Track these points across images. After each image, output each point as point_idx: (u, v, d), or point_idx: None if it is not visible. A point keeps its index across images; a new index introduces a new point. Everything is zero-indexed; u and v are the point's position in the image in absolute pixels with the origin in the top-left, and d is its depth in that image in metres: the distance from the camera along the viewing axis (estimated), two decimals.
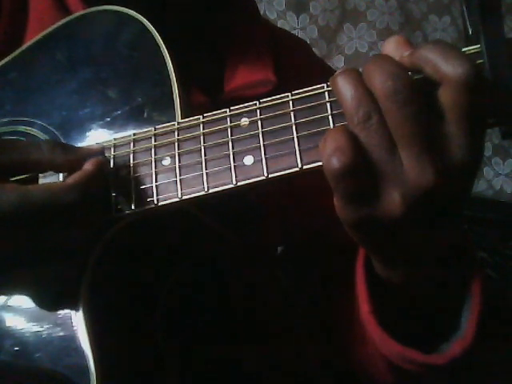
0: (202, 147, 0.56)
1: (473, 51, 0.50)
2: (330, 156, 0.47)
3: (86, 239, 0.55)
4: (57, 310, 0.58)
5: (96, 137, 0.62)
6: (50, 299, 0.59)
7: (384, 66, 0.48)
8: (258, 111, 0.55)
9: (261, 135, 0.54)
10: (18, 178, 0.57)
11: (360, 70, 0.51)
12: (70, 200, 0.52)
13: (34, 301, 0.59)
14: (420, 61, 0.48)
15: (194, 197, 0.55)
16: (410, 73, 0.48)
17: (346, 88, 0.49)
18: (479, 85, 0.46)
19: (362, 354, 0.69)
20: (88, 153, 0.57)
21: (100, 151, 0.58)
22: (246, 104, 0.55)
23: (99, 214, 0.56)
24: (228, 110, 0.56)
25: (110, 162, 0.58)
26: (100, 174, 0.56)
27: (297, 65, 0.85)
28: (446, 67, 0.46)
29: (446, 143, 0.47)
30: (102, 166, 0.56)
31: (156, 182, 0.57)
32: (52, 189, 0.52)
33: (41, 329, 0.59)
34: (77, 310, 0.57)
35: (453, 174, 0.48)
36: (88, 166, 0.55)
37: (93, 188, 0.54)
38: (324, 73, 0.55)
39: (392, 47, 0.51)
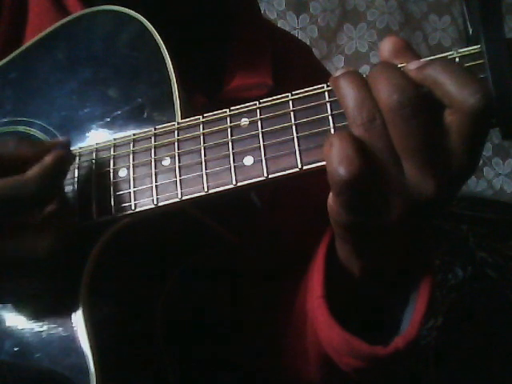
0: (202, 147, 0.56)
1: (473, 51, 0.49)
2: (336, 164, 0.47)
3: (54, 242, 0.55)
4: (56, 310, 0.58)
5: (96, 137, 0.62)
6: (49, 301, 0.59)
7: (390, 78, 0.47)
8: (258, 111, 0.54)
9: (261, 135, 0.54)
10: None
11: (360, 71, 0.51)
12: (28, 192, 0.53)
13: (32, 305, 0.59)
14: (428, 81, 0.48)
15: (194, 197, 0.55)
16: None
17: (348, 89, 0.49)
18: (488, 113, 0.46)
19: (295, 350, 0.69)
20: (53, 145, 0.57)
21: (65, 143, 0.58)
22: (245, 104, 0.55)
23: (58, 208, 0.56)
24: (228, 110, 0.56)
25: (74, 156, 0.59)
26: (58, 166, 0.55)
27: (295, 68, 0.85)
28: (457, 94, 0.46)
29: (448, 157, 0.48)
30: (62, 159, 0.56)
31: (156, 182, 0.57)
32: (9, 182, 0.53)
33: (41, 329, 0.59)
34: (76, 310, 0.57)
35: (452, 185, 0.49)
36: (47, 158, 0.55)
37: (50, 179, 0.54)
38: (322, 78, 0.55)
39: (390, 50, 0.51)
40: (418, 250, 0.58)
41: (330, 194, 0.50)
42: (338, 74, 0.50)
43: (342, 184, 0.47)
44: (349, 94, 0.49)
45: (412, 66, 0.49)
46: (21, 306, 0.60)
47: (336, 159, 0.47)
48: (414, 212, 0.49)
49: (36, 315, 0.60)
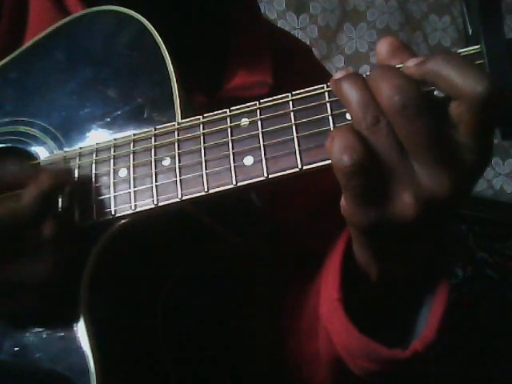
0: (202, 147, 0.56)
1: (473, 51, 0.49)
2: (340, 154, 0.47)
3: (52, 266, 0.55)
4: (56, 311, 0.58)
5: (96, 137, 0.62)
6: (49, 301, 0.59)
7: (391, 80, 0.47)
8: (258, 111, 0.55)
9: (261, 135, 0.54)
10: None
11: (360, 71, 0.51)
12: (23, 217, 0.53)
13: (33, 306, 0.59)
14: (431, 75, 0.47)
15: (194, 197, 0.55)
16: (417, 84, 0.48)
17: (351, 92, 0.49)
18: (496, 101, 0.46)
19: (304, 352, 0.69)
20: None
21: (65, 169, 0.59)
22: (246, 104, 0.55)
23: (55, 227, 0.55)
24: (228, 110, 0.56)
25: (72, 174, 0.59)
26: (54, 184, 0.56)
27: (295, 68, 0.85)
28: (464, 84, 0.46)
29: (459, 151, 0.47)
30: (58, 177, 0.56)
31: (156, 182, 0.57)
32: (4, 208, 0.53)
33: (41, 329, 0.59)
34: (77, 310, 0.57)
35: (467, 180, 0.49)
36: (43, 177, 0.55)
37: (45, 200, 0.55)
38: (322, 78, 0.55)
39: (387, 50, 0.51)
40: (436, 253, 0.58)
41: (342, 195, 0.50)
42: (338, 76, 0.50)
43: (347, 172, 0.47)
44: (351, 97, 0.48)
45: (411, 63, 0.49)
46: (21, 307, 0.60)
47: (338, 149, 0.47)
48: (430, 211, 0.48)
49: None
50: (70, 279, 0.57)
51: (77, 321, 0.57)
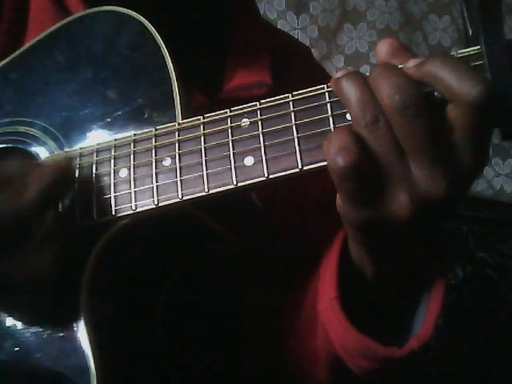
0: (203, 148, 0.56)
1: (473, 52, 0.50)
2: (334, 155, 0.47)
3: (54, 257, 0.56)
4: (56, 311, 0.58)
5: (96, 137, 0.62)
6: (49, 301, 0.59)
7: (391, 79, 0.47)
8: (259, 112, 0.55)
9: (261, 136, 0.54)
10: None
11: (360, 71, 0.51)
12: (26, 214, 0.54)
13: (33, 306, 0.59)
14: (429, 77, 0.47)
15: (195, 197, 0.55)
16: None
17: (351, 91, 0.49)
18: (491, 104, 0.46)
19: (303, 350, 0.69)
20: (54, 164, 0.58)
21: (66, 163, 0.59)
22: (246, 105, 0.55)
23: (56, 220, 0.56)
24: (229, 110, 0.56)
25: (73, 174, 0.59)
26: (56, 184, 0.56)
27: (295, 69, 0.85)
28: (459, 88, 0.46)
29: (455, 153, 0.47)
30: (60, 178, 0.57)
31: (156, 182, 0.57)
32: (7, 204, 0.54)
33: (41, 329, 0.59)
34: (77, 310, 0.57)
35: (462, 182, 0.49)
36: (46, 177, 0.56)
37: (47, 199, 0.55)
38: (322, 79, 0.55)
39: (387, 51, 0.51)
40: (431, 253, 0.58)
41: (337, 194, 0.51)
42: (338, 75, 0.50)
43: (341, 173, 0.47)
44: (351, 95, 0.49)
45: (410, 64, 0.49)
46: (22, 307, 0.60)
47: (334, 150, 0.48)
48: (425, 211, 0.49)
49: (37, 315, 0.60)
50: (70, 279, 0.57)
51: (77, 321, 0.57)
